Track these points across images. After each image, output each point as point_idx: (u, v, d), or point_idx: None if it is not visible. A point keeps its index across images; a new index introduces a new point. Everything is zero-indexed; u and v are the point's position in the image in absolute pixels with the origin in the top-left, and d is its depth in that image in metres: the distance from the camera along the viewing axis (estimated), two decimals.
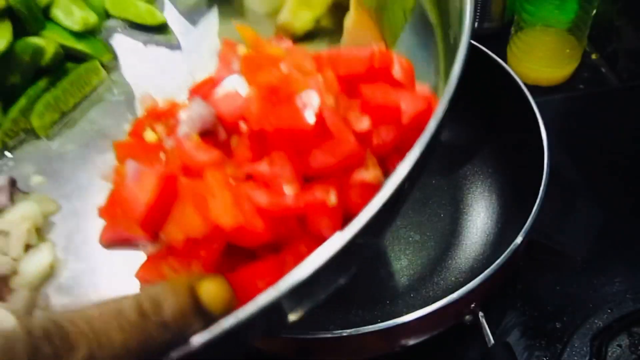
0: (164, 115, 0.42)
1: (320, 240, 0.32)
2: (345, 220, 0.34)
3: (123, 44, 0.59)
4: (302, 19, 0.53)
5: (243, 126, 0.36)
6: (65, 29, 0.55)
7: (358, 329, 0.47)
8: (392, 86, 0.38)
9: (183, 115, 0.38)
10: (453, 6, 0.42)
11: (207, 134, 0.37)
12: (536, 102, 0.60)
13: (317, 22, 0.53)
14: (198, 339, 0.27)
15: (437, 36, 0.47)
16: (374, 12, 0.48)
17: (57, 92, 0.53)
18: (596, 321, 0.59)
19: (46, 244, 0.45)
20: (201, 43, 0.58)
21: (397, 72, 0.38)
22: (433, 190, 0.70)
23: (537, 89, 0.83)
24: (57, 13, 0.55)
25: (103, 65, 0.56)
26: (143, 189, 0.34)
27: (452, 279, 0.63)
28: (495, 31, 0.90)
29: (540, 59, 0.83)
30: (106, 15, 0.60)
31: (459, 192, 0.70)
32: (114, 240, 0.38)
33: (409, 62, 0.39)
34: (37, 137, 0.52)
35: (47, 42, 0.52)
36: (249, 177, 0.34)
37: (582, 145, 0.76)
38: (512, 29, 0.84)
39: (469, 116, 0.67)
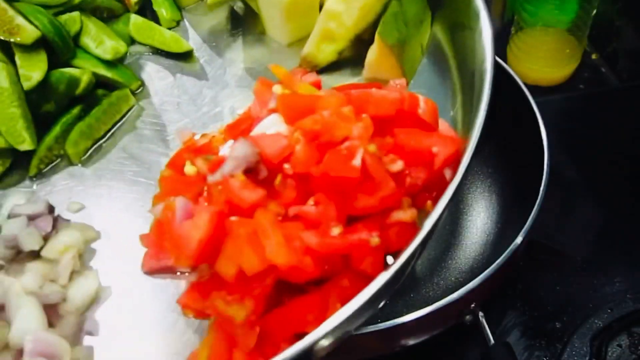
0: (203, 150, 0.44)
1: (361, 275, 0.36)
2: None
3: (148, 70, 0.59)
4: (325, 51, 0.55)
5: (287, 167, 0.38)
6: (95, 57, 0.56)
7: (358, 328, 0.47)
8: (420, 126, 0.41)
9: (227, 152, 0.40)
10: (469, 40, 0.46)
11: (249, 172, 0.38)
12: (536, 102, 0.60)
13: (340, 54, 0.55)
14: None
15: (452, 68, 0.50)
16: (395, 48, 0.50)
17: (90, 120, 0.54)
18: (596, 321, 0.59)
19: (91, 271, 0.46)
20: (226, 71, 0.59)
21: (423, 112, 0.41)
22: None
23: (537, 89, 0.83)
24: (87, 41, 0.56)
25: (133, 93, 0.57)
26: (196, 226, 0.36)
27: (452, 279, 0.63)
28: (495, 31, 0.90)
29: (540, 59, 0.83)
30: (131, 40, 0.61)
31: (459, 191, 0.70)
32: (156, 268, 0.40)
33: (433, 102, 0.42)
34: (71, 163, 0.53)
35: (81, 72, 0.54)
36: (296, 217, 0.37)
37: (582, 145, 0.77)
38: (512, 29, 0.84)
39: None
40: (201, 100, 0.57)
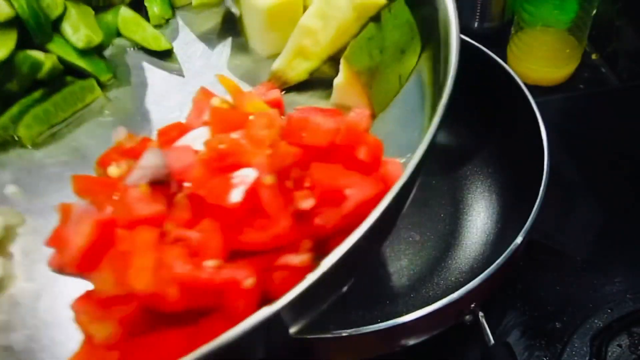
0: (132, 153, 0.41)
1: (235, 316, 0.32)
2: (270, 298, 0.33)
3: (127, 64, 0.59)
4: (297, 69, 0.52)
5: (187, 186, 0.35)
6: (71, 44, 0.55)
7: (358, 329, 0.47)
8: (349, 165, 0.37)
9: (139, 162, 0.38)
10: (442, 66, 0.41)
11: (158, 183, 0.36)
12: (536, 102, 0.60)
13: (311, 74, 0.52)
14: None
15: (427, 101, 0.47)
16: (363, 76, 0.46)
17: (47, 106, 0.54)
18: (596, 321, 0.59)
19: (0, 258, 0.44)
20: (201, 75, 0.58)
21: (361, 153, 0.38)
22: (433, 190, 0.70)
23: (537, 89, 0.83)
24: (66, 28, 0.56)
25: (102, 84, 0.56)
26: (78, 232, 0.34)
27: (452, 279, 0.63)
28: (495, 31, 0.90)
29: (540, 59, 0.83)
30: (118, 33, 0.60)
31: (459, 192, 0.70)
32: (60, 268, 0.38)
33: (378, 142, 0.39)
34: (24, 146, 0.53)
35: (46, 57, 0.53)
36: (177, 241, 0.34)
37: (582, 145, 0.76)
38: (512, 29, 0.84)
39: (469, 116, 0.67)
40: (166, 102, 0.56)
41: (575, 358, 0.57)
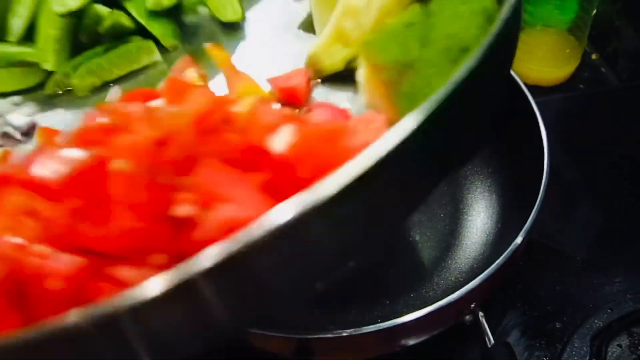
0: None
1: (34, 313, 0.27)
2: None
3: (202, 33, 0.56)
4: (334, 56, 0.44)
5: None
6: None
7: (358, 329, 0.47)
8: (289, 175, 0.30)
9: None
10: None
11: None
12: (536, 102, 0.60)
13: (349, 63, 0.44)
14: None
15: None
16: (386, 71, 0.37)
17: (102, 61, 0.55)
18: (596, 321, 0.59)
19: None
20: (260, 54, 0.53)
21: (303, 171, 0.30)
22: None
23: (537, 89, 0.83)
24: None
25: (167, 50, 0.56)
26: None
27: (452, 279, 0.63)
28: None
29: (540, 59, 0.82)
30: None
31: (459, 192, 0.70)
32: None
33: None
34: (80, 95, 0.54)
35: (109, 14, 0.54)
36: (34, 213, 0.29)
37: (582, 145, 0.76)
38: None
39: None
40: (216, 78, 0.50)
41: (575, 358, 0.57)
